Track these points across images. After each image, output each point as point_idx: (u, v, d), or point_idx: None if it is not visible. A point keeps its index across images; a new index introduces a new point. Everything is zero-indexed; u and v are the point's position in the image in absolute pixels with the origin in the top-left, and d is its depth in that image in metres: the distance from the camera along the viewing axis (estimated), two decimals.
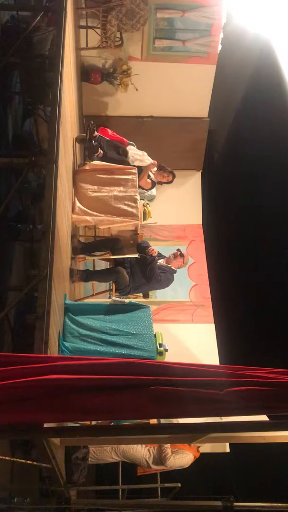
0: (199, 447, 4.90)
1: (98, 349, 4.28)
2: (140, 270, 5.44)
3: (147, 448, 4.79)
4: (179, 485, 4.71)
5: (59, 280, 4.09)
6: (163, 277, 5.54)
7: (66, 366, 2.33)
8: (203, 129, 7.72)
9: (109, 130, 6.27)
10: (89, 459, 4.53)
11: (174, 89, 7.28)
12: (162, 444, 4.67)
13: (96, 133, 5.83)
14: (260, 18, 6.67)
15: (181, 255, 5.65)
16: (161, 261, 5.65)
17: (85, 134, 5.77)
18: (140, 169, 5.96)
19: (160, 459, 4.77)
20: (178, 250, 5.72)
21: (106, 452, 4.72)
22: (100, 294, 6.10)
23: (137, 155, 6.05)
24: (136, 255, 5.46)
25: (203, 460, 5.07)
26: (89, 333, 4.38)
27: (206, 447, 5.09)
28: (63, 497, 3.81)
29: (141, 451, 4.77)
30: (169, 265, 5.62)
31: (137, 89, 6.96)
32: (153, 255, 5.47)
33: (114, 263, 5.61)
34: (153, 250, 5.52)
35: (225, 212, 7.81)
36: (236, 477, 6.26)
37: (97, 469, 6.14)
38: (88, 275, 5.41)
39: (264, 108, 6.97)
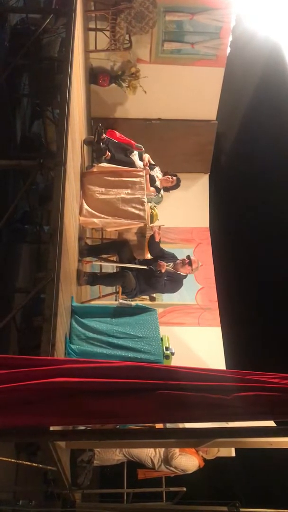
0: (205, 459, 4.88)
1: (105, 352, 4.27)
2: (146, 279, 5.32)
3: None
4: (184, 489, 4.67)
5: (66, 283, 4.08)
6: (168, 285, 5.39)
7: (73, 369, 2.33)
8: (211, 131, 7.71)
9: (117, 133, 6.28)
10: (94, 460, 4.52)
11: (182, 91, 7.27)
12: None
13: (104, 135, 5.83)
14: (269, 21, 6.65)
15: (190, 263, 5.38)
16: (169, 267, 5.46)
17: (93, 136, 5.78)
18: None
19: (166, 458, 4.76)
20: (187, 257, 5.46)
21: (111, 451, 4.71)
22: (106, 296, 6.09)
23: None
24: (145, 267, 5.33)
25: (208, 464, 5.04)
26: (95, 336, 4.37)
27: (212, 454, 5.05)
28: (68, 500, 3.80)
29: (147, 450, 4.76)
30: (178, 272, 5.45)
31: (145, 92, 6.97)
32: (161, 271, 5.27)
33: (121, 266, 5.59)
34: (162, 266, 5.29)
35: (232, 215, 7.78)
36: (242, 482, 6.22)
37: (102, 472, 6.12)
38: (95, 279, 5.39)
39: (272, 111, 6.95)
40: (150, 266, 5.32)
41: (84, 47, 6.08)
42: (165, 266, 5.33)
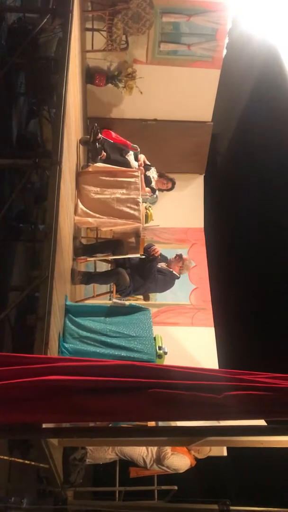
0: (196, 458, 4.92)
1: (98, 351, 4.29)
2: (139, 270, 5.45)
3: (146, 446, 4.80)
4: (176, 488, 4.71)
5: (60, 281, 4.10)
6: (160, 279, 5.53)
7: (66, 367, 2.35)
8: (206, 133, 7.75)
9: (112, 133, 6.29)
10: (87, 459, 4.54)
11: (178, 92, 7.30)
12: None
13: (99, 135, 5.85)
14: (266, 23, 6.69)
15: (180, 257, 5.63)
16: (162, 264, 5.65)
17: (89, 136, 5.79)
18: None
19: (158, 458, 4.79)
20: (178, 254, 5.71)
21: (103, 450, 4.73)
22: (100, 295, 6.11)
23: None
24: (139, 255, 5.47)
25: (200, 463, 5.07)
26: (89, 335, 4.39)
27: (203, 453, 5.08)
28: (60, 498, 3.82)
29: (139, 449, 4.79)
30: (170, 269, 5.61)
31: (141, 92, 6.99)
32: (155, 254, 5.48)
33: (115, 264, 5.63)
34: (155, 249, 5.53)
35: (226, 216, 7.82)
36: (233, 480, 6.26)
37: (94, 470, 6.14)
38: (89, 278, 5.43)
39: (268, 113, 6.99)
40: (144, 254, 5.44)
41: (81, 47, 6.10)
42: (158, 250, 5.51)
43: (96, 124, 5.87)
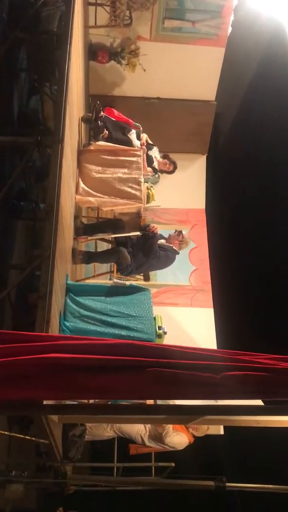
0: (194, 435, 4.99)
1: (98, 329, 4.33)
2: (141, 249, 5.46)
3: (144, 424, 4.87)
4: (173, 464, 4.79)
5: (61, 261, 4.11)
6: (162, 255, 5.53)
7: (66, 345, 2.36)
8: (209, 112, 7.65)
9: (115, 111, 6.22)
10: (86, 435, 4.61)
11: (181, 71, 7.19)
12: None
13: (102, 113, 5.79)
14: (272, 0, 6.55)
15: (180, 233, 5.62)
16: (162, 241, 5.65)
17: (91, 114, 5.73)
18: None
19: (157, 436, 4.86)
20: (177, 230, 5.72)
21: (102, 427, 4.81)
22: (101, 275, 6.12)
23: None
24: (138, 233, 5.47)
25: (197, 441, 5.16)
26: (89, 314, 4.42)
27: (201, 431, 5.16)
28: (60, 472, 3.89)
29: (137, 427, 4.86)
30: (170, 245, 5.62)
31: (144, 70, 6.88)
32: (154, 231, 5.47)
33: (116, 243, 5.63)
34: (154, 226, 5.53)
35: (228, 198, 7.79)
36: (229, 458, 6.37)
37: (92, 446, 6.24)
38: (90, 257, 5.43)
39: (273, 93, 6.90)
40: (143, 231, 5.46)
41: (83, 22, 5.98)
42: (157, 227, 5.53)
43: (98, 102, 5.80)
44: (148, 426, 4.90)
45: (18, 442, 4.16)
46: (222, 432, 5.75)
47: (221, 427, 5.71)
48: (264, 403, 2.79)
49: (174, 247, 5.59)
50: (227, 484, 3.46)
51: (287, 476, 3.97)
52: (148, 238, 5.47)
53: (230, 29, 6.82)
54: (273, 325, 6.44)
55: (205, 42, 6.94)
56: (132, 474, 4.75)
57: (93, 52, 6.76)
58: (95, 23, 6.45)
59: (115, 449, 5.16)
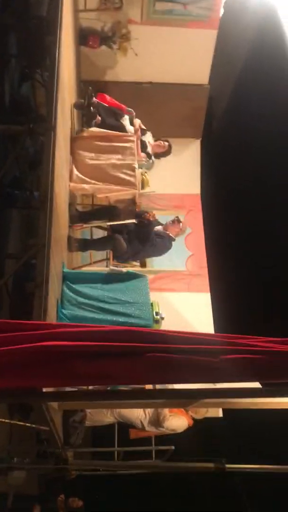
0: (194, 418, 5.04)
1: (96, 316, 4.34)
2: (137, 236, 5.46)
3: (143, 409, 4.92)
4: (173, 448, 4.85)
5: (57, 249, 4.10)
6: (159, 242, 5.54)
7: (64, 333, 2.37)
8: (203, 96, 7.59)
9: (107, 96, 6.15)
10: (86, 421, 4.66)
11: (174, 54, 7.11)
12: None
13: (94, 99, 5.73)
14: None
15: (179, 221, 5.63)
16: (159, 228, 5.65)
17: (83, 100, 5.67)
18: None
19: (156, 420, 4.91)
20: (176, 217, 5.71)
21: (102, 413, 4.85)
22: (97, 262, 6.12)
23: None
24: (134, 221, 5.46)
25: (196, 424, 5.22)
26: (87, 301, 4.43)
27: (200, 414, 5.22)
28: (61, 458, 3.93)
29: (137, 412, 4.91)
30: (167, 232, 5.62)
31: (136, 54, 6.81)
32: (150, 219, 5.47)
33: (111, 230, 5.62)
34: (149, 214, 5.52)
35: (223, 182, 7.75)
36: (228, 440, 6.45)
37: (93, 432, 6.30)
38: (86, 245, 5.43)
39: (266, 77, 6.82)
40: (138, 218, 5.44)
41: (73, 6, 5.89)
42: (153, 214, 5.53)
43: (90, 88, 5.74)
44: (148, 410, 4.95)
45: (19, 429, 4.20)
46: (221, 415, 5.81)
47: (220, 410, 5.77)
48: (261, 385, 2.82)
49: (170, 234, 5.59)
50: (227, 465, 3.51)
51: (285, 456, 4.03)
52: (144, 225, 5.46)
53: (222, 11, 6.73)
54: (269, 309, 6.46)
55: (197, 24, 6.86)
56: (132, 459, 4.81)
57: (83, 37, 6.67)
58: (85, 6, 6.36)
59: (115, 434, 5.22)
